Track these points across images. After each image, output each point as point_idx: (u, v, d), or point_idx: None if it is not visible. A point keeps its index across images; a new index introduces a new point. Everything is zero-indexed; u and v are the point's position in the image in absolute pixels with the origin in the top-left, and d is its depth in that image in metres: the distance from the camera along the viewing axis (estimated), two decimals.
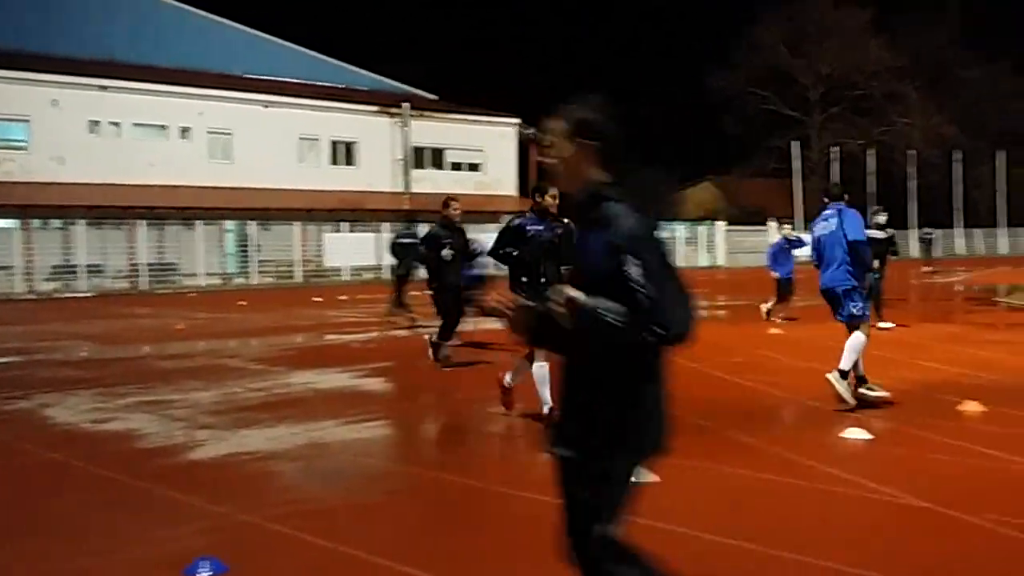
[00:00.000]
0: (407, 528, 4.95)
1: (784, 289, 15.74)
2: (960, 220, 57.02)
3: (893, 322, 14.01)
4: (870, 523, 4.86)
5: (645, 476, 5.53)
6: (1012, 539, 4.54)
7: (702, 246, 50.27)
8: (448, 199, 11.46)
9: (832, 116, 64.51)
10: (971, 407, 7.63)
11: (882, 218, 14.38)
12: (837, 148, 56.72)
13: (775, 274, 15.91)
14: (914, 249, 44.53)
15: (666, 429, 2.98)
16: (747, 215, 59.82)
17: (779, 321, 15.35)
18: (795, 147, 55.40)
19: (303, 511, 5.19)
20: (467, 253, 11.43)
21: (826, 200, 8.69)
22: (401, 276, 15.73)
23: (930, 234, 38.88)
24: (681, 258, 47.99)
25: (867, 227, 8.88)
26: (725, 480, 5.70)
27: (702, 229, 51.33)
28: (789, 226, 17.58)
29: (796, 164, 54.44)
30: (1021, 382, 9.17)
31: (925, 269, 32.77)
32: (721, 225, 51.37)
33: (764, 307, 15.97)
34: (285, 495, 5.69)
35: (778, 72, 62.31)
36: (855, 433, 6.75)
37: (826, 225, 8.42)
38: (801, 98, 64.16)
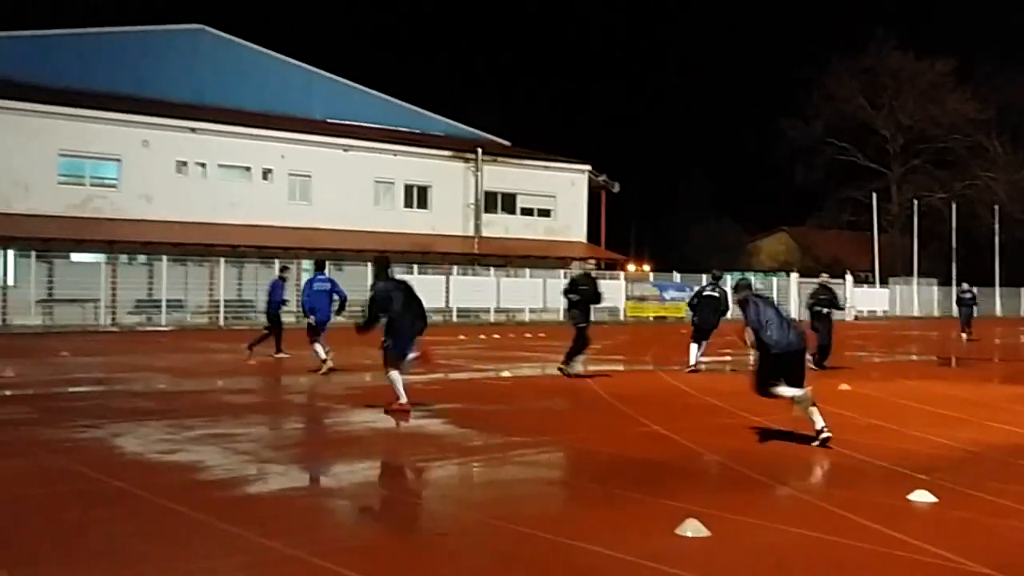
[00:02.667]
0: (452, 571, 4.95)
1: None
2: None
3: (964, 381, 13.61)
4: None
5: (697, 530, 5.49)
6: None
7: (775, 297, 49.56)
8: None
9: (913, 168, 63.35)
10: None
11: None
12: (917, 201, 55.61)
13: None
14: (998, 307, 43.21)
15: None
16: (822, 267, 58.88)
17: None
18: (874, 199, 54.43)
19: (350, 547, 5.23)
20: None
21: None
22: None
23: (967, 293, 29.53)
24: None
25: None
26: (780, 538, 5.58)
27: (775, 280, 50.67)
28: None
29: (875, 216, 53.41)
30: None
31: (963, 336, 27.21)
32: (795, 277, 50.59)
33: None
34: (335, 532, 5.75)
35: (856, 123, 61.53)
36: (920, 496, 6.55)
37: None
38: (880, 149, 63.20)
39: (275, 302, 18.39)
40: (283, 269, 19.57)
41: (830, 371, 15.33)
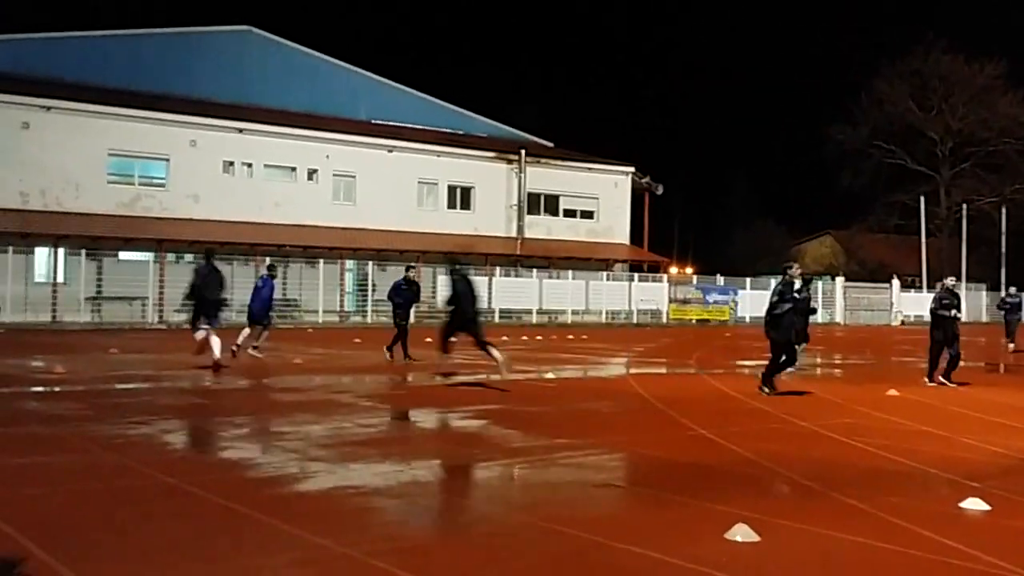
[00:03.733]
0: (502, 572, 4.96)
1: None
2: None
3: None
4: None
5: (746, 535, 5.45)
6: None
7: (820, 302, 48.99)
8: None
9: (962, 172, 62.31)
10: None
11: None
12: (966, 205, 54.66)
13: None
14: None
15: None
16: (867, 271, 58.08)
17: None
18: (922, 203, 53.59)
19: (401, 548, 5.26)
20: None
21: None
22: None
23: (1015, 297, 25.78)
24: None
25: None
26: (830, 544, 5.52)
27: (820, 284, 50.09)
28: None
29: (923, 220, 52.56)
30: None
31: (1009, 345, 24.26)
32: (840, 281, 50.01)
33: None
34: (385, 531, 5.79)
35: (904, 126, 60.68)
36: (973, 503, 6.44)
37: None
38: (929, 153, 62.24)
39: (263, 300, 18.17)
40: (271, 267, 19.40)
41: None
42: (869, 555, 5.33)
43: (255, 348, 17.55)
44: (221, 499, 6.28)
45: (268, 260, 23.83)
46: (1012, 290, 26.76)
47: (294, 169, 37.44)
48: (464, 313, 13.49)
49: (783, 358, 13.31)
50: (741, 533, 5.48)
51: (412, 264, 20.50)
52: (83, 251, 30.94)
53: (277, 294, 34.11)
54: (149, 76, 37.53)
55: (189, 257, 33.87)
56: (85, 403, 11.44)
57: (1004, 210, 53.92)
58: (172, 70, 38.40)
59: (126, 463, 7.61)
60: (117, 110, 33.64)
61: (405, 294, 17.83)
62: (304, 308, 34.97)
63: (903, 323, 46.60)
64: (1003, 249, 52.20)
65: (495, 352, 13.61)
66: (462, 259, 15.37)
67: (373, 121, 42.17)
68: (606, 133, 74.47)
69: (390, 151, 39.17)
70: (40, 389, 12.99)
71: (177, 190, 34.78)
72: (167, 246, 32.85)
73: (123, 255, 33.09)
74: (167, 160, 34.95)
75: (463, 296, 13.51)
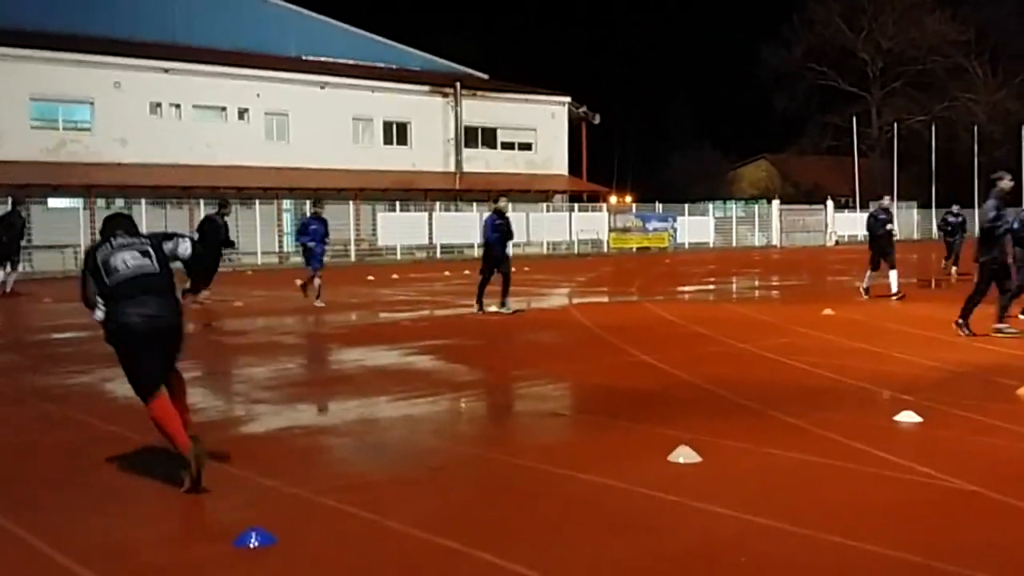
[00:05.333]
0: (450, 503, 5.02)
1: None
2: None
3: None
4: (916, 507, 4.81)
5: (688, 456, 5.57)
6: None
7: (756, 225, 49.70)
8: None
9: (893, 92, 63.15)
10: None
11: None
12: (897, 124, 55.50)
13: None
14: (977, 228, 43.44)
15: None
16: (803, 194, 58.92)
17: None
18: (854, 123, 54.26)
19: (349, 485, 5.29)
20: None
21: None
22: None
23: (957, 216, 22.81)
24: (735, 237, 47.58)
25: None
26: (769, 461, 5.67)
27: (757, 208, 50.78)
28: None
29: (855, 141, 53.29)
30: None
31: (952, 269, 21.67)
32: (776, 204, 50.67)
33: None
34: (333, 469, 5.82)
35: (836, 47, 61.13)
36: (907, 416, 6.66)
37: None
38: (860, 73, 62.89)
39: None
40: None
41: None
42: (807, 470, 5.50)
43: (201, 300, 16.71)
44: (166, 444, 6.22)
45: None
46: (955, 208, 23.11)
47: (224, 109, 36.51)
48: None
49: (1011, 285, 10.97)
50: (684, 455, 5.60)
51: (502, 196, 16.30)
52: (10, 199, 29.96)
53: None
54: (69, 16, 35.97)
55: (120, 203, 33.08)
56: (21, 354, 11.21)
57: (933, 128, 54.86)
58: (94, 9, 36.87)
59: (68, 413, 7.50)
60: (37, 52, 32.31)
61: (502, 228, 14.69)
62: (242, 250, 34.44)
63: (838, 243, 47.53)
64: (933, 167, 53.23)
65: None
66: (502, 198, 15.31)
67: (304, 57, 41.15)
68: (541, 64, 73.70)
69: (322, 88, 38.38)
70: None
71: (103, 134, 33.74)
72: (96, 192, 31.96)
73: (51, 202, 32.15)
74: (91, 104, 33.81)
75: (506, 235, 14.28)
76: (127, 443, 6.29)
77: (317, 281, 16.22)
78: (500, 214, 14.60)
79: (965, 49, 60.38)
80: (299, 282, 16.81)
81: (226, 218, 17.53)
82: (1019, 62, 60.08)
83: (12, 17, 34.48)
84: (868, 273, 16.22)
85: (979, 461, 5.62)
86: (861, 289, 16.21)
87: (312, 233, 16.42)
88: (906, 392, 7.52)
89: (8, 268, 19.14)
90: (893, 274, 15.96)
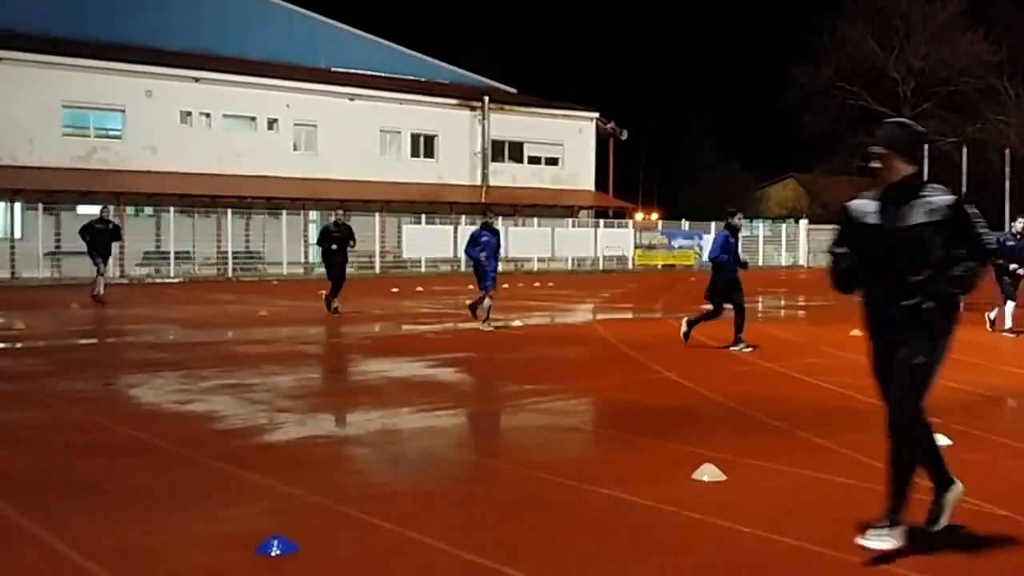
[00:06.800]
0: (472, 516, 4.99)
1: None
2: None
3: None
4: (944, 530, 4.73)
5: (713, 475, 5.51)
6: None
7: (784, 244, 49.39)
8: None
9: (924, 112, 62.61)
10: None
11: (1019, 224, 13.81)
12: (928, 146, 55.04)
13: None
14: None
15: None
16: (831, 214, 58.51)
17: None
18: None
19: (372, 495, 5.28)
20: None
21: None
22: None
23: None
24: (761, 257, 47.30)
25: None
26: (795, 481, 5.61)
27: (784, 227, 50.42)
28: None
29: None
30: None
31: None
32: (804, 224, 50.36)
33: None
34: (355, 479, 5.80)
35: (866, 67, 60.75)
36: (936, 439, 6.54)
37: None
38: (891, 93, 62.41)
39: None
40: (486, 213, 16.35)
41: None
42: (834, 490, 5.42)
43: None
44: (188, 452, 6.24)
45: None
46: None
47: (254, 119, 36.82)
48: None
49: None
50: (708, 473, 5.55)
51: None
52: (40, 205, 30.35)
53: (240, 246, 34.10)
54: (102, 25, 36.48)
55: (149, 210, 33.42)
56: (47, 359, 11.30)
57: (965, 150, 54.37)
58: (127, 19, 37.37)
59: (91, 418, 7.54)
60: (70, 60, 32.77)
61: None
62: (268, 260, 34.66)
63: None
64: (964, 189, 52.70)
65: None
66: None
67: (333, 69, 41.46)
68: (569, 79, 73.94)
69: (351, 99, 38.62)
70: (1, 346, 12.80)
71: (134, 142, 34.10)
72: (125, 199, 32.28)
73: (81, 209, 32.47)
74: (123, 111, 34.20)
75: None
76: (152, 449, 6.31)
77: (488, 301, 14.44)
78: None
79: (997, 70, 59.82)
80: (323, 293, 16.91)
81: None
82: None
83: (47, 25, 35.01)
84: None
85: (1009, 485, 5.53)
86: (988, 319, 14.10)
87: (484, 245, 14.51)
88: (936, 415, 7.38)
89: (97, 272, 20.69)
90: (1009, 305, 13.96)
